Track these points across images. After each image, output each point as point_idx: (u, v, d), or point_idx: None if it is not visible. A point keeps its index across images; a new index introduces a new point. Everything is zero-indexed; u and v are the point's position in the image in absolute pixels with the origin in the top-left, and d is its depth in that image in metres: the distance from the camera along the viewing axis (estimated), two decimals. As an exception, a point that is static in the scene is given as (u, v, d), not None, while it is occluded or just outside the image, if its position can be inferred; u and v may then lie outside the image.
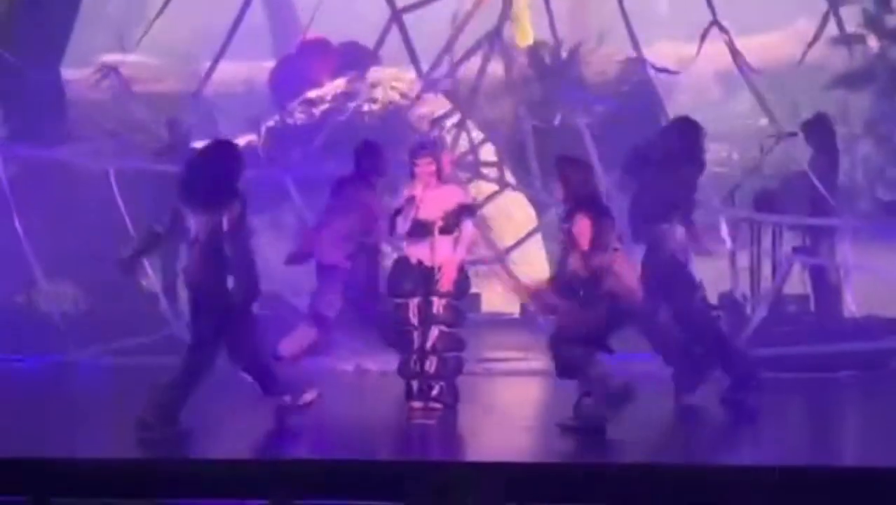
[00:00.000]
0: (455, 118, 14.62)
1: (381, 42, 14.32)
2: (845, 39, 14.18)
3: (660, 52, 14.91)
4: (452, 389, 10.59)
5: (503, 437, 10.22)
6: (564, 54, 15.33)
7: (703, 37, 13.80)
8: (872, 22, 14.51)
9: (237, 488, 8.91)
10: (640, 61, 13.82)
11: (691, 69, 14.23)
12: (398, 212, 10.47)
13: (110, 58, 15.31)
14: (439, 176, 10.51)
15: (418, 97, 15.01)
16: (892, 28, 14.44)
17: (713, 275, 13.93)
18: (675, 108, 14.89)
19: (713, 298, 14.23)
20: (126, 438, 9.96)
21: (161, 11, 14.08)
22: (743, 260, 13.72)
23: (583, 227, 9.70)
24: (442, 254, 10.44)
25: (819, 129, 13.50)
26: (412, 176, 10.51)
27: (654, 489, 8.62)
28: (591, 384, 9.83)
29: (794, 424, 11.31)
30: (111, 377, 12.55)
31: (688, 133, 11.05)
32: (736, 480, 8.78)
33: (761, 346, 12.63)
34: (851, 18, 14.29)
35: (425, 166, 10.47)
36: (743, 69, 13.83)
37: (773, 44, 15.19)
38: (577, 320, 9.76)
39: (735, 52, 13.76)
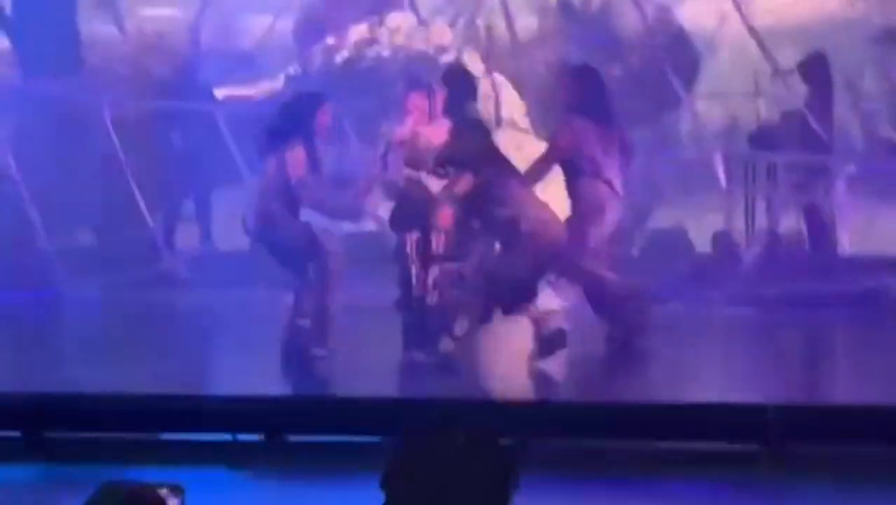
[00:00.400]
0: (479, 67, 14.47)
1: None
2: None
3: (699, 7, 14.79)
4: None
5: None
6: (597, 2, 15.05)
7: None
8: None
9: (231, 423, 8.97)
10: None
11: (732, 25, 14.16)
12: (388, 148, 10.41)
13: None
14: (431, 113, 10.49)
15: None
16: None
17: (707, 212, 14.02)
18: (716, 64, 14.78)
19: (708, 237, 14.35)
20: (120, 371, 10.00)
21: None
22: (738, 197, 13.77)
23: None
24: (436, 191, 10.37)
25: (815, 68, 13.48)
26: (404, 112, 10.46)
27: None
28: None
29: (787, 358, 11.40)
30: (102, 310, 12.56)
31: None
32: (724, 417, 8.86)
33: (756, 283, 12.69)
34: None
35: (418, 101, 10.44)
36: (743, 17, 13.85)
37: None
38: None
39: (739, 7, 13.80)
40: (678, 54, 14.39)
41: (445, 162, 10.06)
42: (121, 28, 14.66)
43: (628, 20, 14.62)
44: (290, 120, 10.22)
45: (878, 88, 14.72)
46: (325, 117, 10.33)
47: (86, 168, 13.88)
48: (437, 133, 10.27)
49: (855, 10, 14.37)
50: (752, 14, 13.95)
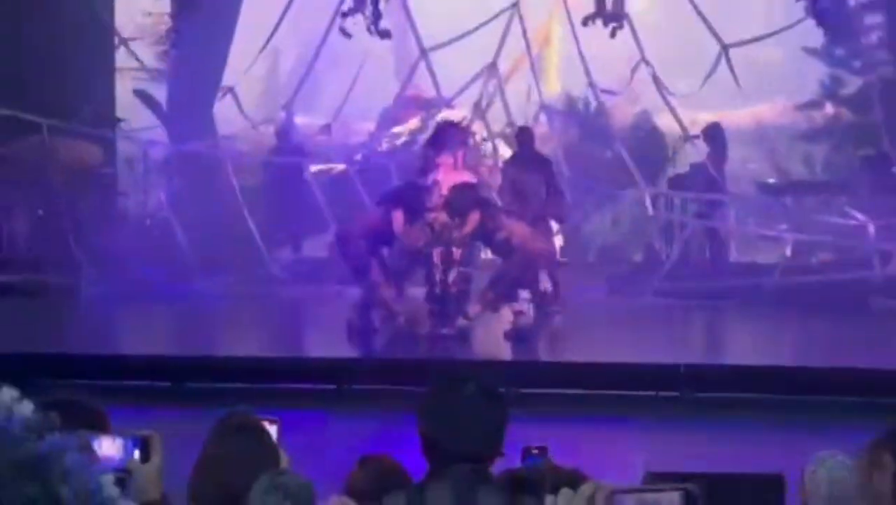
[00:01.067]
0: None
1: (409, 79, 14.02)
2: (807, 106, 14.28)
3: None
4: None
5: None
6: (594, 104, 14.74)
7: (633, 71, 13.72)
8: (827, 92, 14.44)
9: (313, 376, 8.89)
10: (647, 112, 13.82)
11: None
12: (420, 190, 10.31)
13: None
14: (456, 166, 10.32)
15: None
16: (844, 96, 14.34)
17: (640, 232, 13.93)
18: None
19: (639, 250, 14.27)
20: (238, 342, 9.97)
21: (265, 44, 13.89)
22: (660, 222, 13.72)
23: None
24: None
25: (713, 134, 13.41)
26: (435, 164, 10.32)
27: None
28: None
29: (694, 332, 11.34)
30: (227, 299, 12.50)
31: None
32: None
33: (672, 280, 12.62)
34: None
35: (446, 158, 10.35)
36: (663, 94, 13.73)
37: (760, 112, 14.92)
38: None
39: (658, 84, 13.68)
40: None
41: (456, 201, 10.01)
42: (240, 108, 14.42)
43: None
44: (402, 193, 10.16)
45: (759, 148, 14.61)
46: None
47: (215, 203, 13.84)
48: (458, 178, 10.22)
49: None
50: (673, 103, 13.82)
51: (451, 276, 10.07)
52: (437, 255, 10.07)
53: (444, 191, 9.98)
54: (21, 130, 13.15)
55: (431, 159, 10.20)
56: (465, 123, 12.35)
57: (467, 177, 10.32)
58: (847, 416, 7.78)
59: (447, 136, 10.38)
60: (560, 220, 11.70)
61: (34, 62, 14.00)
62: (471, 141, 11.02)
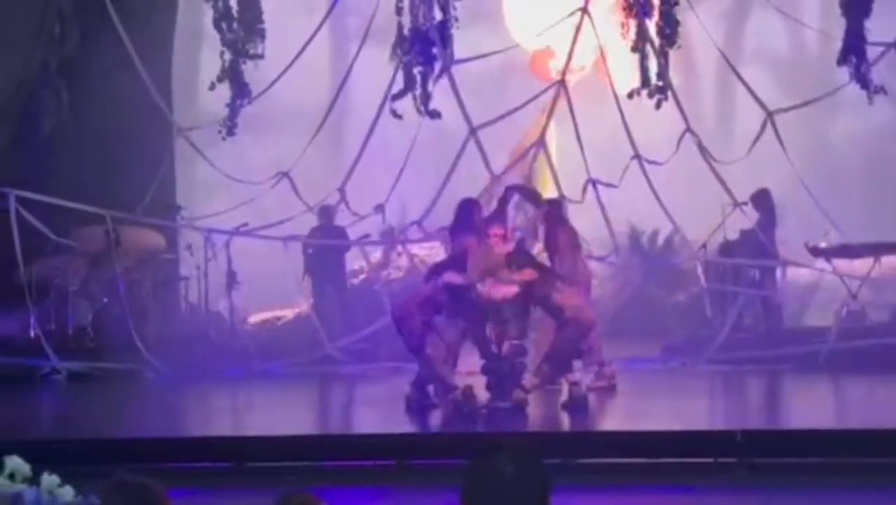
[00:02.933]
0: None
1: (459, 156, 14.11)
2: None
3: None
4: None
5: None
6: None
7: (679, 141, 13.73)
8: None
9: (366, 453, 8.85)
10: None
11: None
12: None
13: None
14: (504, 239, 10.43)
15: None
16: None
17: (693, 300, 13.82)
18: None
19: (693, 318, 14.12)
20: (297, 420, 9.94)
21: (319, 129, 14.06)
22: (715, 291, 13.61)
23: None
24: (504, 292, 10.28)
25: (761, 200, 13.34)
26: (488, 239, 10.34)
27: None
28: None
29: (752, 398, 11.19)
30: (286, 381, 12.54)
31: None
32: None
33: (727, 347, 12.48)
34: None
35: (496, 232, 10.40)
36: (709, 162, 13.68)
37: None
38: None
39: (704, 152, 13.65)
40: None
41: (514, 263, 10.02)
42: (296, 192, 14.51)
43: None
44: (451, 263, 10.20)
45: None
46: None
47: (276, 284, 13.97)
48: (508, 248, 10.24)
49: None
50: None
51: (505, 348, 10.02)
52: (490, 328, 10.05)
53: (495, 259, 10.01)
54: (85, 221, 13.37)
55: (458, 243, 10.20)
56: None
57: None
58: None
59: (471, 213, 10.41)
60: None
61: (95, 154, 14.27)
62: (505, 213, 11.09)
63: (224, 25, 13.87)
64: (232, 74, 13.89)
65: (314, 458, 8.81)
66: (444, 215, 13.93)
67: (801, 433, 8.82)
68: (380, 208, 14.43)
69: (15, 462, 3.72)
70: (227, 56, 13.89)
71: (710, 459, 8.41)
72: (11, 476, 3.75)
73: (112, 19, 13.24)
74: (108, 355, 12.70)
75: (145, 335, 12.93)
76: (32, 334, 12.87)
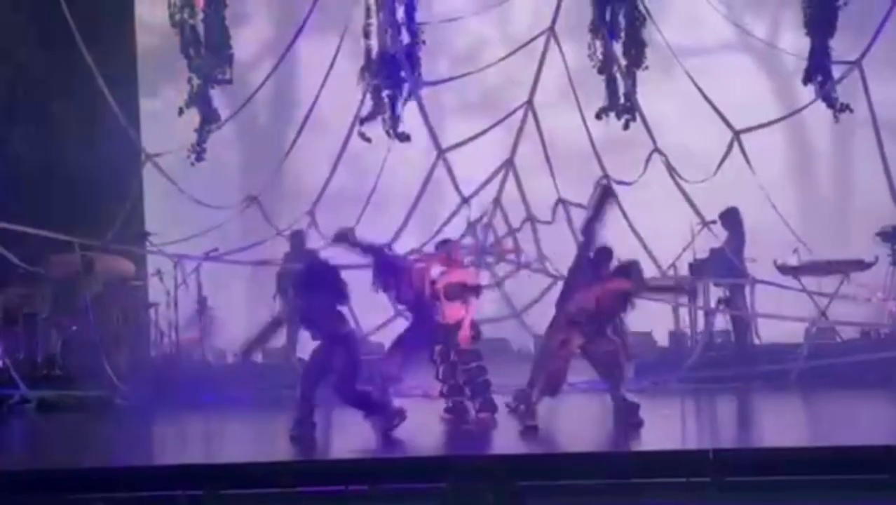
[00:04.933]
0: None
1: (427, 178, 14.13)
2: None
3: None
4: (488, 402, 10.47)
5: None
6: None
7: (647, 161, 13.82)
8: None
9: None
10: None
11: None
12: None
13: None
14: (450, 264, 10.47)
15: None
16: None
17: (663, 319, 13.87)
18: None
19: (665, 336, 14.18)
20: (279, 446, 9.91)
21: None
22: (683, 309, 13.65)
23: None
24: (451, 315, 10.36)
25: (730, 218, 13.43)
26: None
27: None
28: None
29: (725, 418, 11.23)
30: (258, 407, 12.49)
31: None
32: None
33: (700, 367, 12.53)
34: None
35: (438, 258, 10.53)
36: (677, 182, 13.77)
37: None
38: None
39: (672, 172, 13.73)
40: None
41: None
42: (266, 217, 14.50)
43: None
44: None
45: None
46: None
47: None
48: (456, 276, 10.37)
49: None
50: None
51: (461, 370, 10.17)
52: (436, 352, 10.28)
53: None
54: (54, 249, 13.30)
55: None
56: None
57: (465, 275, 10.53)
58: (880, 494, 7.66)
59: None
60: None
61: (63, 182, 14.21)
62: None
63: (191, 51, 13.87)
64: (200, 100, 13.88)
65: (288, 484, 8.78)
66: (415, 237, 14.01)
67: (774, 452, 8.86)
68: (351, 231, 14.39)
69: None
70: (195, 81, 13.88)
71: (683, 479, 8.44)
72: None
73: (78, 45, 13.20)
74: (77, 383, 12.63)
75: (116, 362, 12.86)
76: (1, 363, 12.79)
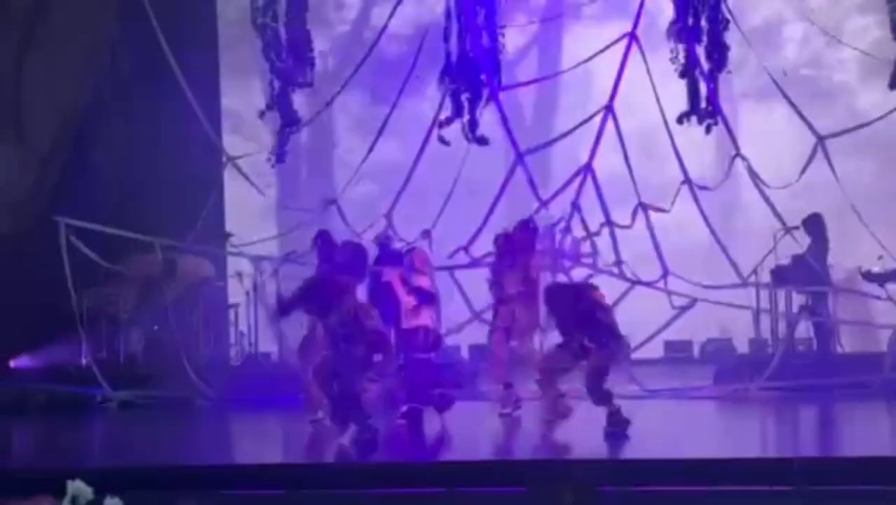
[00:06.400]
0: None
1: (506, 182, 14.13)
2: None
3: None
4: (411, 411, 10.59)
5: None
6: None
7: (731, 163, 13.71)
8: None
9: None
10: None
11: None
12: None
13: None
14: (412, 270, 10.77)
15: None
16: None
17: (744, 326, 13.74)
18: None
19: (745, 345, 14.04)
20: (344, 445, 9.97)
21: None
22: (765, 316, 13.51)
23: None
24: (411, 321, 10.64)
25: (813, 224, 13.27)
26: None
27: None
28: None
29: (807, 426, 11.10)
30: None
31: None
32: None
33: (780, 372, 12.39)
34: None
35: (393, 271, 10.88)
36: (759, 187, 13.62)
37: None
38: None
39: (754, 177, 13.59)
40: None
41: None
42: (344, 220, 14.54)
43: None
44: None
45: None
46: None
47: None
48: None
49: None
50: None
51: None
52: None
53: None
54: (135, 250, 13.51)
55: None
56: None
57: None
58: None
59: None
60: None
61: (145, 183, 14.42)
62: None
63: (273, 54, 14.00)
64: (280, 103, 14.01)
65: (366, 485, 8.81)
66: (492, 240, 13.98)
67: (858, 461, 8.73)
68: (427, 234, 14.49)
69: (77, 486, 3.78)
70: (276, 84, 14.02)
71: (766, 487, 8.36)
72: (74, 500, 3.83)
73: (162, 47, 13.39)
74: (159, 382, 12.80)
75: (196, 362, 13.02)
76: (84, 362, 12.99)
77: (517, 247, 10.90)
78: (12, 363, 13.67)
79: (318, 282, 10.02)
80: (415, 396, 10.54)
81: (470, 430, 10.51)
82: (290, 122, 14.10)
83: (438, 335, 10.70)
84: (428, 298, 10.63)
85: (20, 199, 12.77)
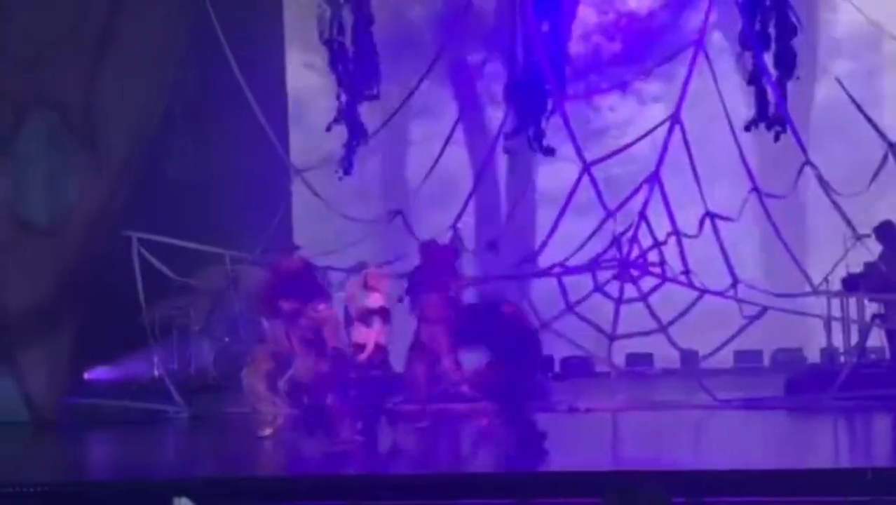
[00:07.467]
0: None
1: (572, 192, 14.10)
2: None
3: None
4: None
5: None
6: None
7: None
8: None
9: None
10: None
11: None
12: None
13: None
14: (365, 287, 11.21)
15: None
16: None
17: (815, 335, 13.57)
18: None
19: (816, 354, 13.85)
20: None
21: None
22: (836, 324, 13.34)
23: None
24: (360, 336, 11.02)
25: (885, 232, 13.09)
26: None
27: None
28: None
29: (881, 436, 10.94)
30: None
31: None
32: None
33: (852, 384, 12.23)
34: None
35: (353, 284, 11.29)
36: (829, 195, 13.47)
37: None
38: None
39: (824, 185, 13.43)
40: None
41: None
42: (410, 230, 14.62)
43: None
44: None
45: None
46: None
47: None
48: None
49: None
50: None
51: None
52: None
53: None
54: (206, 262, 13.64)
55: None
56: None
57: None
58: None
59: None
60: None
61: (215, 196, 14.58)
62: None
63: (339, 67, 14.09)
64: (347, 115, 14.09)
65: (433, 496, 8.82)
66: (560, 250, 13.99)
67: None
68: (492, 245, 14.50)
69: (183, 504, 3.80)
70: (343, 97, 14.10)
71: (840, 498, 8.26)
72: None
73: (229, 62, 13.52)
74: (229, 394, 12.89)
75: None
76: (156, 374, 13.12)
77: (441, 261, 11.09)
78: (87, 375, 13.86)
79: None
80: (367, 412, 10.69)
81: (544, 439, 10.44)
82: (357, 135, 14.17)
83: (386, 350, 10.98)
84: (384, 315, 11.01)
85: (94, 212, 12.94)
